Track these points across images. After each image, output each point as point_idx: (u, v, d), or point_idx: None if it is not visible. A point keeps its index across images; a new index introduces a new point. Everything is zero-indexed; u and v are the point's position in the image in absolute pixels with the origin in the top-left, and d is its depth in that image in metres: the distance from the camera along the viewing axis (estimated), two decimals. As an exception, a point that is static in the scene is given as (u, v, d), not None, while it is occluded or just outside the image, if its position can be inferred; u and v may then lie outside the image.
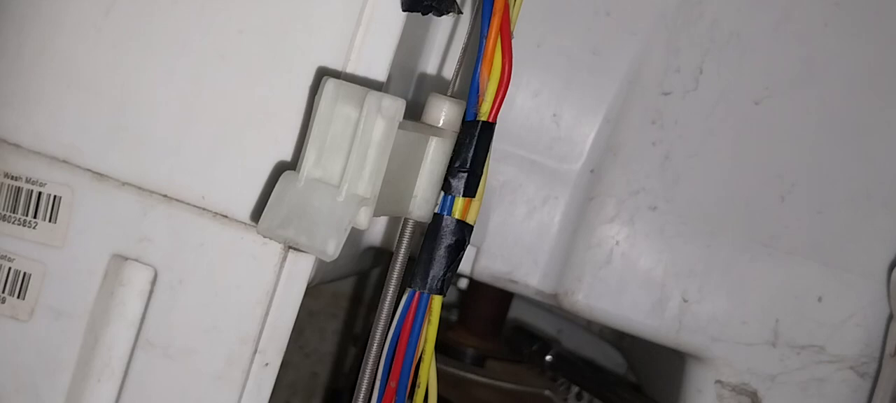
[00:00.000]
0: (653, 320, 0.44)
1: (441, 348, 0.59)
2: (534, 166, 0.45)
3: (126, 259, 0.32)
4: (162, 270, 0.32)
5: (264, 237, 0.29)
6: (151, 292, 0.32)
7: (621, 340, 0.67)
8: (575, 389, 0.56)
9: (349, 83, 0.28)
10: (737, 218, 0.44)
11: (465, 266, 0.45)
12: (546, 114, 0.45)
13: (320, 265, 0.35)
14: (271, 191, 0.28)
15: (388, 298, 0.31)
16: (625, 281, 0.44)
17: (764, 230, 0.44)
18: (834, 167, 0.44)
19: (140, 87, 0.32)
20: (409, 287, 0.31)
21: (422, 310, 0.31)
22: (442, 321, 0.65)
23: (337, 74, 0.31)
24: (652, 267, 0.44)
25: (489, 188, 0.41)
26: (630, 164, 0.44)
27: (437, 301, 0.31)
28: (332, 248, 0.27)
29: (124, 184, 0.32)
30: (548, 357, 0.59)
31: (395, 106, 0.27)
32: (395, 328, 0.31)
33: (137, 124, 0.32)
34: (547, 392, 0.58)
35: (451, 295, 0.67)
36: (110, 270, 0.32)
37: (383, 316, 0.31)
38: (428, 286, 0.31)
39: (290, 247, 0.32)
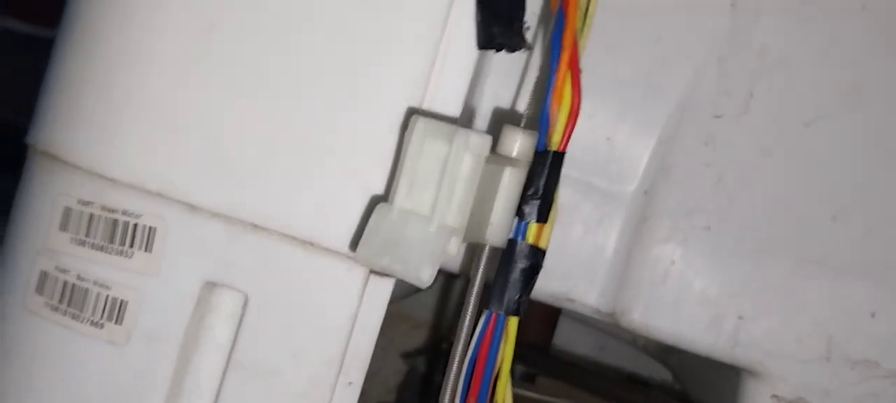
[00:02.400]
0: (709, 337, 0.46)
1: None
2: (589, 188, 0.46)
3: (217, 285, 0.34)
4: (251, 296, 0.34)
5: (362, 265, 0.31)
6: (241, 316, 0.34)
7: (667, 355, 0.68)
8: (630, 408, 0.58)
9: (437, 120, 0.29)
10: (789, 238, 0.45)
11: (524, 286, 0.47)
12: (600, 136, 0.46)
13: (395, 288, 0.36)
14: (362, 222, 0.30)
15: (467, 319, 0.33)
16: (681, 299, 0.46)
17: (816, 249, 0.45)
18: (883, 186, 0.45)
19: (229, 122, 0.34)
20: (487, 309, 0.33)
21: (499, 331, 0.33)
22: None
23: (416, 109, 0.33)
24: (707, 285, 0.46)
25: (557, 206, 0.42)
26: (683, 186, 0.45)
27: (513, 322, 0.33)
28: (427, 275, 0.28)
29: (215, 214, 0.34)
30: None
31: (482, 142, 0.29)
32: (474, 348, 0.33)
33: (227, 157, 0.34)
34: (602, 410, 0.59)
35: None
36: (202, 296, 0.34)
37: (463, 336, 0.33)
38: (504, 308, 0.33)
39: (373, 273, 0.34)
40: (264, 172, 0.34)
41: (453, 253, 0.29)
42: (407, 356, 0.68)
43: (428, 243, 0.29)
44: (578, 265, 0.46)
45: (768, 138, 0.45)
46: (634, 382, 0.67)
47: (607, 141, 0.46)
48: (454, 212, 0.29)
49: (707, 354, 0.46)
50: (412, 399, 0.65)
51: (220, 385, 0.34)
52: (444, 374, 0.33)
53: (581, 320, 0.71)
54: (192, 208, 0.34)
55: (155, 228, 0.34)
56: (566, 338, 0.71)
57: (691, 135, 0.45)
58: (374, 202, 0.30)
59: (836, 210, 0.45)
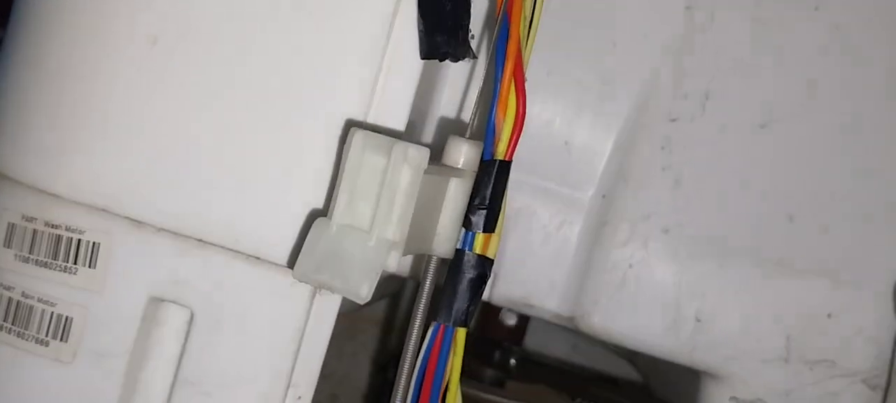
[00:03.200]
0: (668, 340, 0.46)
1: (464, 372, 0.60)
2: (547, 193, 0.46)
3: (163, 301, 0.34)
4: (198, 311, 0.34)
5: (300, 281, 0.30)
6: (188, 332, 0.34)
7: (635, 355, 0.68)
8: (595, 408, 0.58)
9: (376, 134, 0.29)
10: (747, 239, 0.45)
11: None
12: (558, 141, 0.46)
13: (347, 300, 0.36)
14: (303, 235, 0.29)
15: (415, 332, 0.33)
16: (639, 302, 0.46)
17: (774, 249, 0.45)
18: (839, 186, 0.45)
19: (174, 137, 0.34)
20: (435, 320, 0.33)
21: (447, 342, 0.33)
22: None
23: (360, 122, 0.33)
24: (666, 288, 0.46)
25: (505, 214, 0.42)
26: (641, 189, 0.45)
27: (461, 333, 0.33)
28: (365, 291, 0.28)
29: (160, 229, 0.34)
30: (512, 362, 0.61)
31: (420, 155, 0.28)
32: (422, 360, 0.33)
33: (172, 172, 0.34)
34: (565, 411, 0.59)
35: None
36: (148, 312, 0.34)
37: (411, 348, 0.33)
38: (453, 319, 0.33)
39: (317, 288, 0.34)
40: (209, 187, 0.34)
41: (393, 268, 0.29)
42: (377, 361, 0.68)
43: (367, 258, 0.28)
44: (538, 270, 0.46)
45: (724, 140, 0.45)
46: (605, 380, 0.67)
47: (565, 146, 0.46)
48: (394, 226, 0.28)
49: (666, 357, 0.46)
50: (382, 404, 0.65)
51: (169, 401, 0.34)
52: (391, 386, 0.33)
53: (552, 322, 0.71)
54: (138, 224, 0.34)
55: (99, 244, 0.34)
56: (539, 339, 0.71)
57: (648, 138, 0.45)
58: (314, 217, 0.30)
59: (792, 210, 0.45)
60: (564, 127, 0.46)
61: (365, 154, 0.29)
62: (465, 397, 0.58)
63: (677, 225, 0.45)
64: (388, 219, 0.28)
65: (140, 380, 0.34)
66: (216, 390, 0.34)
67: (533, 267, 0.46)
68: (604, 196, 0.46)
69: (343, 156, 0.29)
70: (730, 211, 0.45)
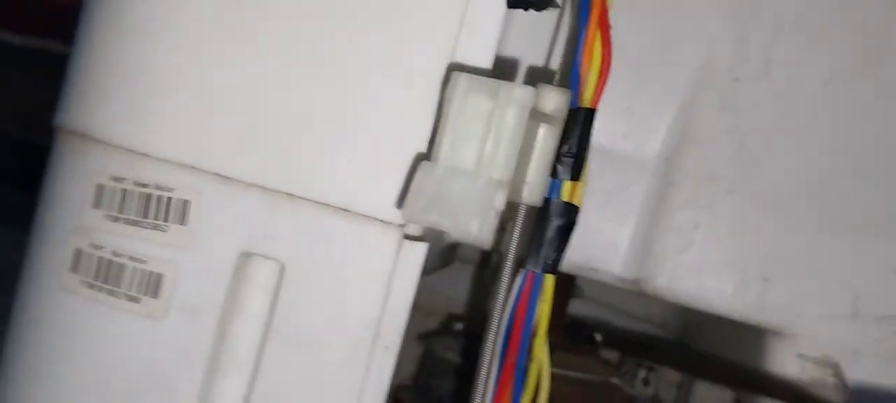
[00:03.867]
0: (735, 301, 0.46)
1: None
2: (610, 154, 0.47)
3: (253, 255, 0.34)
4: (288, 264, 0.34)
5: (409, 222, 0.31)
6: (278, 286, 0.34)
7: (685, 334, 0.68)
8: (642, 374, 0.58)
9: (479, 76, 0.30)
10: (812, 198, 0.46)
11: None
12: (621, 106, 0.46)
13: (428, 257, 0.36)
14: (407, 181, 0.30)
15: (505, 278, 0.33)
16: (706, 263, 0.46)
17: (838, 208, 0.46)
18: (903, 142, 0.45)
19: (261, 94, 0.34)
20: (523, 267, 0.33)
21: (536, 288, 0.33)
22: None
23: (454, 65, 0.33)
24: (732, 248, 0.46)
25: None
26: (705, 151, 0.46)
27: (549, 280, 0.33)
28: (476, 228, 0.29)
29: (250, 185, 0.34)
30: (597, 337, 0.61)
31: (527, 95, 0.29)
32: (512, 306, 0.33)
33: (260, 128, 0.34)
34: (614, 380, 0.59)
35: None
36: (238, 267, 0.34)
37: (502, 294, 0.33)
38: (541, 265, 0.33)
39: (407, 237, 0.34)
40: (298, 142, 0.34)
41: (501, 207, 0.29)
42: (422, 338, 0.68)
43: (476, 197, 0.29)
44: (601, 233, 0.47)
45: (788, 100, 0.45)
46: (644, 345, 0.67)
47: (628, 109, 0.47)
48: (501, 166, 0.29)
49: (735, 317, 0.46)
50: (431, 380, 0.65)
51: (260, 355, 0.34)
52: (481, 335, 0.33)
53: (591, 298, 0.71)
54: (226, 179, 0.34)
55: (189, 201, 0.35)
56: (588, 318, 0.71)
57: (711, 100, 0.46)
58: (417, 161, 0.30)
59: (856, 168, 0.45)
60: (627, 91, 0.46)
61: (469, 96, 0.29)
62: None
63: (742, 186, 0.46)
64: (495, 159, 0.29)
65: (230, 334, 0.34)
66: (306, 341, 0.34)
67: (595, 230, 0.47)
68: (667, 158, 0.46)
69: (445, 99, 0.30)
70: (794, 170, 0.46)
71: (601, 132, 0.46)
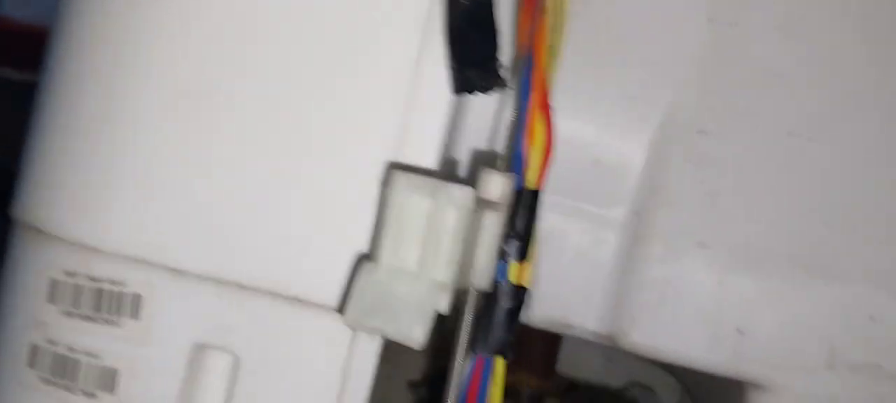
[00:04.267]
0: (711, 354, 0.45)
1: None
2: (579, 212, 0.46)
3: (208, 347, 0.34)
4: (243, 357, 0.34)
5: (351, 328, 0.31)
6: (233, 379, 0.34)
7: (674, 367, 0.67)
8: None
9: (417, 175, 0.29)
10: (784, 248, 0.45)
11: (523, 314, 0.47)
12: (587, 160, 0.46)
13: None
14: (348, 280, 0.30)
15: (458, 363, 0.33)
16: (679, 317, 0.45)
17: (811, 256, 0.45)
18: (873, 191, 0.45)
19: (210, 186, 0.34)
20: (473, 351, 0.33)
21: (487, 373, 0.33)
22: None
23: (394, 163, 0.33)
24: (705, 301, 0.45)
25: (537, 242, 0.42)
26: (674, 204, 0.45)
27: (500, 363, 0.33)
28: (419, 334, 0.28)
29: (202, 277, 0.34)
30: None
31: (465, 196, 0.28)
32: (462, 392, 0.33)
33: (208, 219, 0.34)
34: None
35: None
36: (193, 359, 0.34)
37: (455, 381, 0.33)
38: (491, 349, 0.33)
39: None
40: (248, 233, 0.34)
41: (446, 310, 0.29)
42: (412, 384, 0.67)
43: (419, 301, 0.29)
44: (574, 290, 0.46)
45: (756, 151, 0.45)
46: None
47: (595, 164, 0.46)
48: (442, 267, 0.29)
49: (711, 371, 0.46)
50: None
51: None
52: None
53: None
54: (178, 272, 0.34)
55: (141, 295, 0.35)
56: (574, 352, 0.70)
57: (678, 152, 0.45)
58: (357, 260, 0.30)
59: (828, 217, 0.45)
60: (593, 145, 0.46)
61: (408, 196, 0.29)
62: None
63: (713, 238, 0.45)
64: (437, 261, 0.28)
65: (189, 428, 0.34)
66: (260, 437, 0.34)
67: (569, 287, 0.46)
68: (636, 213, 0.46)
69: (385, 198, 0.30)
70: (765, 220, 0.45)
71: (569, 189, 0.46)
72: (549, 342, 0.62)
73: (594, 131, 0.45)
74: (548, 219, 0.46)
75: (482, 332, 0.33)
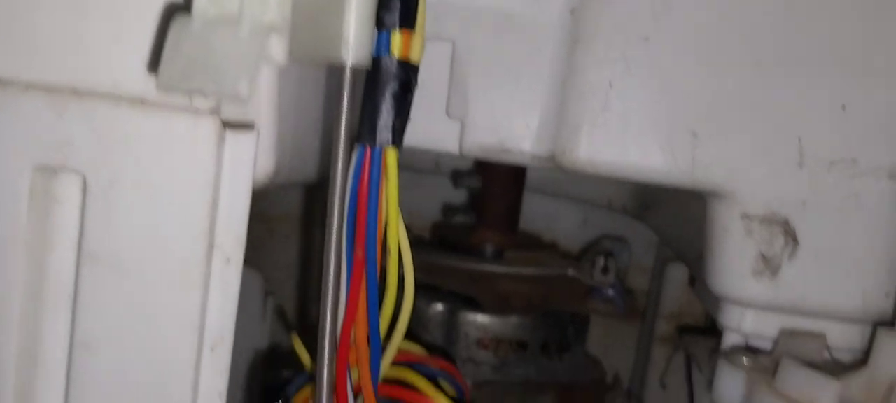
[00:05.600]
0: (663, 163, 0.40)
1: (461, 250, 0.56)
2: (509, 21, 0.41)
3: (48, 168, 0.29)
4: (90, 174, 0.29)
5: (166, 91, 0.25)
6: (83, 202, 0.29)
7: (645, 211, 0.63)
8: (600, 263, 0.53)
9: None
10: (740, 38, 0.40)
11: (452, 143, 0.42)
12: None
13: (277, 155, 0.31)
14: (160, 38, 0.24)
15: (340, 158, 0.28)
16: (626, 125, 0.40)
17: (770, 46, 0.40)
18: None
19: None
20: (358, 142, 0.28)
21: (376, 166, 0.28)
22: (459, 224, 0.62)
23: None
24: (653, 104, 0.40)
25: (464, 56, 0.37)
26: (614, -4, 0.40)
27: (391, 153, 0.28)
28: (245, 88, 0.23)
29: (28, 85, 0.29)
30: None
31: None
32: (351, 191, 0.28)
33: (29, 20, 0.29)
34: (570, 272, 0.54)
35: (463, 195, 0.64)
36: (36, 185, 0.29)
37: (338, 179, 0.28)
38: (378, 139, 0.28)
39: (228, 126, 0.29)
40: (73, 28, 0.29)
41: (280, 58, 0.24)
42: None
43: (242, 50, 0.23)
44: (508, 110, 0.41)
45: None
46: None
47: (522, -39, 0.41)
48: (271, 5, 0.23)
49: (664, 182, 0.41)
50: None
51: (77, 286, 0.29)
52: (323, 225, 0.28)
53: (557, 195, 0.66)
54: (1, 82, 0.29)
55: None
56: (551, 212, 0.66)
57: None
58: (168, 11, 0.25)
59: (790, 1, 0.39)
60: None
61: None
62: (459, 272, 0.53)
63: (658, 31, 0.40)
64: None
65: (40, 264, 0.29)
66: (128, 262, 0.30)
67: (503, 108, 0.41)
68: (572, 11, 0.40)
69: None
70: (717, 6, 0.40)
71: (495, -5, 0.40)
72: (510, 198, 0.58)
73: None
74: (473, 35, 0.40)
75: (366, 119, 0.28)
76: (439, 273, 0.53)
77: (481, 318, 0.52)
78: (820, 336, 0.39)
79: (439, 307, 0.52)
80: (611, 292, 0.54)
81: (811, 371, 0.33)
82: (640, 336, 0.69)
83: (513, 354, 0.53)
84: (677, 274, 0.63)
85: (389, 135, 0.28)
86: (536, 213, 0.63)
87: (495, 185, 0.58)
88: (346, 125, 0.28)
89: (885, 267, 0.40)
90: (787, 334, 0.39)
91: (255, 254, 0.42)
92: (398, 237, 0.28)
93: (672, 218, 0.55)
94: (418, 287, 0.51)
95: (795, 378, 0.34)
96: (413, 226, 0.64)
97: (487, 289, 0.52)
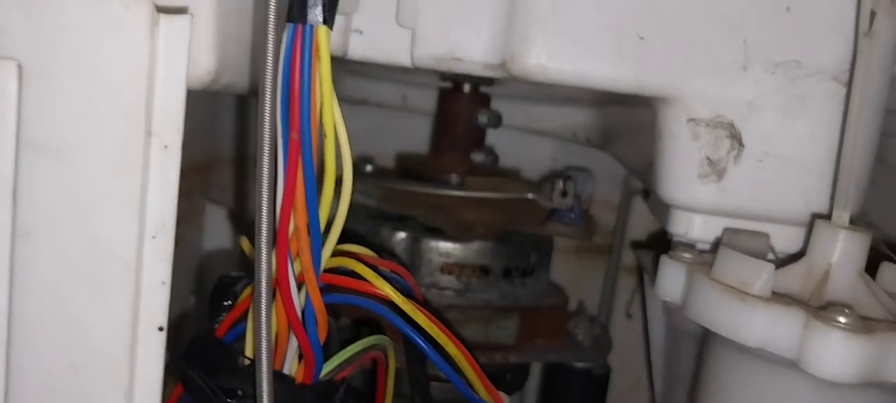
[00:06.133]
0: (611, 68, 0.41)
1: (425, 180, 0.56)
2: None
3: (-16, 56, 0.29)
4: (26, 61, 0.29)
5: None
6: (19, 89, 0.29)
7: (607, 142, 0.63)
8: (559, 185, 0.53)
9: None
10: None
11: (403, 56, 0.42)
12: None
13: (219, 52, 0.31)
14: None
15: (270, 38, 0.28)
16: (575, 30, 0.40)
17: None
18: None
19: None
20: (288, 21, 0.28)
21: (307, 45, 0.28)
22: (417, 155, 0.62)
23: None
24: (601, 9, 0.40)
25: None
26: None
27: (322, 32, 0.28)
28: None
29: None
30: None
31: None
32: (283, 73, 0.28)
33: None
34: (530, 196, 0.55)
35: (425, 130, 0.64)
36: (-28, 75, 0.29)
37: (269, 61, 0.28)
38: (308, 17, 0.28)
39: (162, 11, 0.29)
40: None
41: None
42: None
43: None
44: (458, 19, 0.41)
45: None
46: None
47: None
48: None
49: (613, 88, 0.41)
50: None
51: (16, 172, 0.30)
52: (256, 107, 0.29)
53: (534, 131, 0.67)
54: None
55: None
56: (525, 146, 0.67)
57: None
58: None
59: None
60: None
61: None
62: (421, 199, 0.54)
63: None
64: None
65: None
66: (66, 149, 0.30)
67: (452, 17, 0.41)
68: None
69: None
70: None
71: None
72: (471, 128, 0.58)
73: None
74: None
75: (295, -3, 0.28)
76: (402, 201, 0.53)
77: (444, 244, 0.52)
78: (764, 235, 0.39)
79: (402, 235, 0.52)
80: (571, 215, 0.55)
81: (747, 257, 0.34)
82: (607, 269, 0.70)
83: (476, 279, 0.53)
84: (642, 206, 0.64)
85: (320, 14, 0.28)
86: (505, 151, 0.63)
87: (452, 108, 0.59)
88: (276, 3, 0.28)
89: (828, 169, 0.41)
90: (731, 232, 0.39)
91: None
92: (334, 119, 0.29)
93: (632, 148, 0.56)
94: (381, 216, 0.52)
95: (732, 264, 0.34)
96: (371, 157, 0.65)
97: (450, 216, 0.53)
